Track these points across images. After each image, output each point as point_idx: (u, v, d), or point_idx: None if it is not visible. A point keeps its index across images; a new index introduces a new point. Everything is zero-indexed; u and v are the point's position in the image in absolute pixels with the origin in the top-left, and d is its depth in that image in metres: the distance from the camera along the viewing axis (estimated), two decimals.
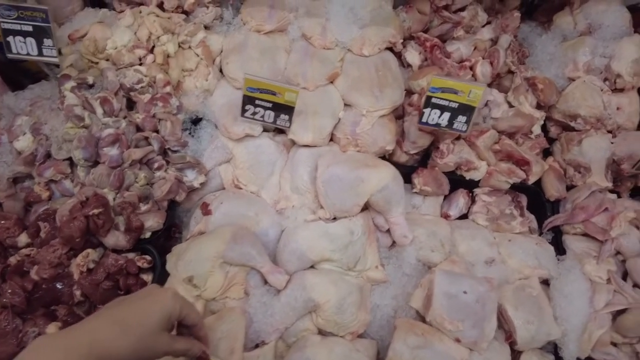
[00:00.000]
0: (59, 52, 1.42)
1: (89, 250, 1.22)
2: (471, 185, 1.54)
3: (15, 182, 1.34)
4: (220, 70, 1.54)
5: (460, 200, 1.52)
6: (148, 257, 1.27)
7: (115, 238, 1.25)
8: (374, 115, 1.44)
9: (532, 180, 1.51)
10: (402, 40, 1.60)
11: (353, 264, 1.31)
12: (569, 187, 1.55)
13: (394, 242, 1.40)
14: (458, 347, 1.20)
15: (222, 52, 1.55)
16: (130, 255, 1.27)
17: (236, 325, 1.17)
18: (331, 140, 1.48)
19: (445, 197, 1.56)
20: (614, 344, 1.31)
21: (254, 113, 1.35)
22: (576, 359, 1.29)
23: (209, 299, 1.24)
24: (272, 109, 1.34)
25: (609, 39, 1.60)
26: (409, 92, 1.57)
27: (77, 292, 1.19)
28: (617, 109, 1.57)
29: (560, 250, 1.46)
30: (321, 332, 1.28)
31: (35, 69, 1.53)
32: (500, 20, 1.68)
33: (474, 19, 1.68)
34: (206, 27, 1.56)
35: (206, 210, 1.36)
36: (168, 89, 1.41)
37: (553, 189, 1.51)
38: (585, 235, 1.47)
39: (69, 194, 1.31)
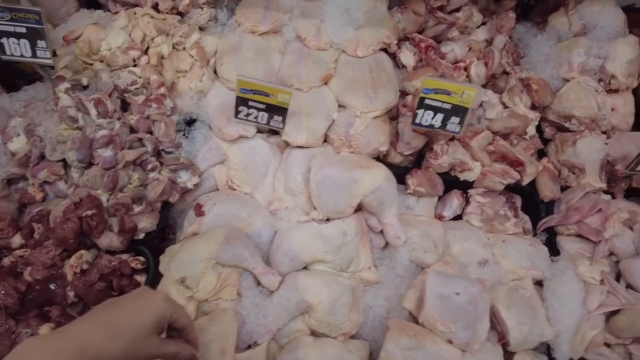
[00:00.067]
0: (54, 54, 1.42)
1: (83, 251, 1.23)
2: (465, 186, 1.54)
3: (9, 184, 1.34)
4: (215, 72, 1.54)
5: (455, 201, 1.52)
6: (142, 258, 1.27)
7: (109, 239, 1.25)
8: (367, 116, 1.43)
9: (526, 181, 1.51)
10: (396, 41, 1.59)
11: (346, 265, 1.31)
12: (563, 188, 1.55)
13: (387, 243, 1.40)
14: (450, 348, 1.20)
15: (216, 53, 1.54)
16: (124, 256, 1.27)
17: (228, 326, 1.17)
18: (325, 141, 1.48)
19: (440, 198, 1.55)
20: (607, 345, 1.32)
21: (248, 114, 1.35)
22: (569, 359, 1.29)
23: (202, 300, 1.24)
24: (265, 110, 1.34)
25: (603, 39, 1.60)
26: (404, 93, 1.56)
27: (71, 293, 1.20)
28: (612, 109, 1.57)
29: (554, 251, 1.46)
30: (314, 333, 1.28)
31: (29, 71, 1.53)
32: (495, 21, 1.68)
33: (468, 20, 1.68)
34: (201, 28, 1.55)
35: (199, 211, 1.36)
36: (162, 90, 1.41)
37: (547, 190, 1.51)
38: (579, 236, 1.47)
39: (62, 195, 1.31)
